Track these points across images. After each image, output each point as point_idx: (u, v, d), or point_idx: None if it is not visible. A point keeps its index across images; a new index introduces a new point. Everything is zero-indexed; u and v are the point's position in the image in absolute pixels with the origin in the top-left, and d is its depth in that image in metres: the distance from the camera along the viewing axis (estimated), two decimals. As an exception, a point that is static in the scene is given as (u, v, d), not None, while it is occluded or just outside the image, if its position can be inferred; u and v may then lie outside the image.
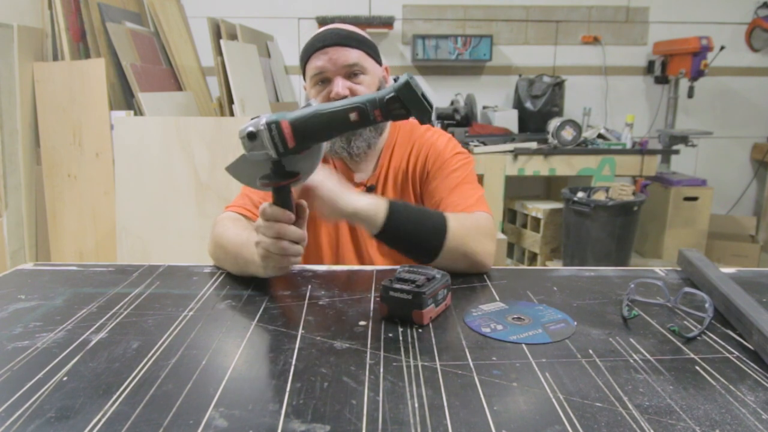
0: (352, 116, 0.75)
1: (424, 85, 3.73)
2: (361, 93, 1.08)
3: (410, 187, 1.18)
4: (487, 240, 1.03)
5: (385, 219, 0.92)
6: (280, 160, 0.80)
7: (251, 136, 0.78)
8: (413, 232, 0.96)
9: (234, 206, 1.13)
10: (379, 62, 1.15)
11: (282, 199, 0.83)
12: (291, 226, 0.84)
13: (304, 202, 0.87)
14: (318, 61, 1.07)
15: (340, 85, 1.06)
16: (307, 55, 1.10)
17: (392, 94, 0.73)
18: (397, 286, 0.77)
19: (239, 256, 0.95)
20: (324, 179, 0.90)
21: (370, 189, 1.17)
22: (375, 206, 0.92)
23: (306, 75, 1.13)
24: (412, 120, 1.26)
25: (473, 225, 1.02)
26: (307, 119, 0.77)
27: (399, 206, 0.96)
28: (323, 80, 1.09)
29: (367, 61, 1.10)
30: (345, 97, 1.05)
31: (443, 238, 0.96)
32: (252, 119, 0.79)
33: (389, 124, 1.19)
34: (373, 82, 1.11)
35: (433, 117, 3.42)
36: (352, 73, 1.08)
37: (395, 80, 0.76)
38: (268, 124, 0.76)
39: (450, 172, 1.14)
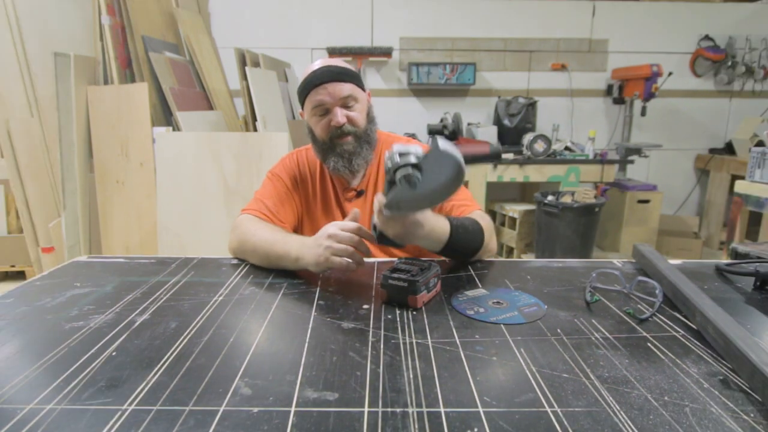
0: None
1: (418, 106, 3.73)
2: (356, 119, 1.09)
3: None
4: (494, 235, 1.05)
5: (447, 239, 0.90)
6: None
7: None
8: (465, 245, 0.95)
9: (250, 209, 1.11)
10: (364, 89, 1.15)
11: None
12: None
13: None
14: (318, 96, 1.07)
15: (339, 114, 1.06)
16: (306, 91, 1.09)
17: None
18: (395, 275, 0.77)
19: (271, 252, 0.95)
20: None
21: (360, 193, 1.16)
22: (440, 233, 0.89)
23: (306, 106, 1.11)
24: (393, 134, 1.26)
25: (488, 225, 1.02)
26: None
27: (455, 226, 0.92)
28: (323, 111, 1.09)
29: (357, 91, 1.10)
30: (343, 124, 1.06)
31: (481, 243, 0.97)
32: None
33: (377, 138, 1.16)
34: (363, 108, 1.11)
35: (426, 138, 3.42)
36: (347, 103, 1.08)
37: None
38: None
39: None
